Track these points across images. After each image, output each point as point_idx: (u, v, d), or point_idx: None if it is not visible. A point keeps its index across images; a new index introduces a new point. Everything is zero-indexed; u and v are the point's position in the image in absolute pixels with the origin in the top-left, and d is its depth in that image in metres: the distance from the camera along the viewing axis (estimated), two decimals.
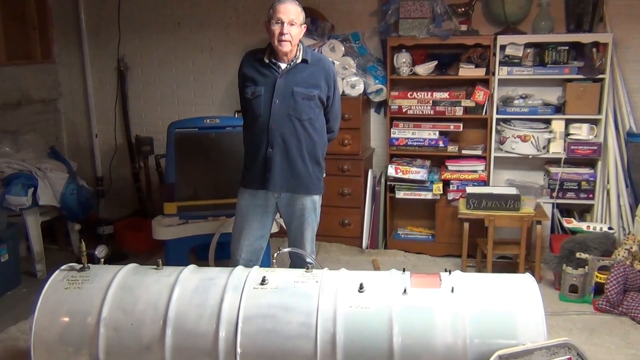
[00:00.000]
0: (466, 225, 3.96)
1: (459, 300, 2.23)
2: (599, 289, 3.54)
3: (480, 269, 4.09)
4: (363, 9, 4.59)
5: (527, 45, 4.09)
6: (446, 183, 4.34)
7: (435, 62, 4.26)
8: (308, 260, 2.75)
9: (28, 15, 4.91)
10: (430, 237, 4.52)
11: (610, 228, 3.96)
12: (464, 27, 4.22)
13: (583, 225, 4.01)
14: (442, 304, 2.23)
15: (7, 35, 4.64)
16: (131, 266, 2.55)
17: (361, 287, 2.29)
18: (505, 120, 4.25)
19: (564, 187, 4.21)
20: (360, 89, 4.33)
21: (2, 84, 4.55)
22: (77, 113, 5.32)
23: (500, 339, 2.15)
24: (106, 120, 5.23)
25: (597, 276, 3.54)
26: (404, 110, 4.32)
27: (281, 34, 2.80)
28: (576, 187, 4.20)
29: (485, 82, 4.20)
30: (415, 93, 4.28)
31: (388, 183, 4.43)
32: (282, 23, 2.80)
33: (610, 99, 4.11)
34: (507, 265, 4.08)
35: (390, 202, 4.50)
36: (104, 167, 5.28)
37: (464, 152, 4.36)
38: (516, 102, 4.22)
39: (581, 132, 4.14)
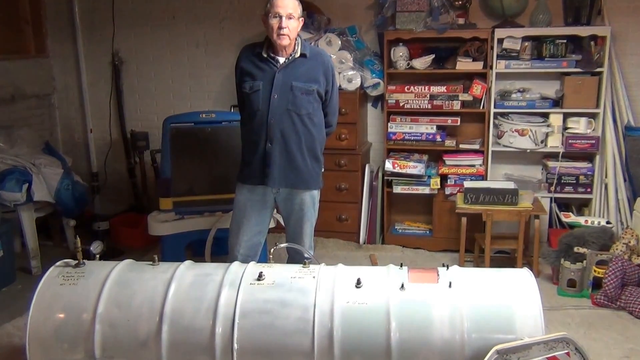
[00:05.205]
0: (464, 220, 3.95)
1: (456, 295, 2.22)
2: (597, 284, 3.54)
3: (478, 263, 4.08)
4: (360, 3, 4.56)
5: (525, 38, 4.07)
6: (444, 178, 4.33)
7: (433, 56, 4.24)
8: (306, 255, 2.73)
9: (21, 9, 4.87)
10: (427, 232, 4.51)
11: (608, 222, 3.96)
12: (461, 21, 4.19)
13: (581, 220, 4.01)
14: (440, 299, 2.22)
15: (0, 30, 4.60)
16: (127, 262, 2.53)
17: (358, 282, 2.28)
18: (503, 114, 4.24)
19: (562, 181, 4.21)
20: (357, 83, 4.31)
21: None
22: (72, 108, 5.29)
23: (498, 333, 2.14)
24: (101, 115, 5.20)
25: (595, 270, 3.53)
26: (401, 104, 4.30)
27: (280, 28, 2.77)
28: (574, 182, 4.20)
29: (482, 76, 4.18)
30: (412, 87, 4.26)
31: (385, 178, 4.41)
32: (280, 17, 2.77)
33: (608, 92, 4.09)
34: (505, 260, 4.07)
35: (388, 197, 4.49)
36: (99, 162, 5.26)
37: (462, 146, 4.34)
38: (514, 95, 4.20)
39: (579, 126, 4.13)
